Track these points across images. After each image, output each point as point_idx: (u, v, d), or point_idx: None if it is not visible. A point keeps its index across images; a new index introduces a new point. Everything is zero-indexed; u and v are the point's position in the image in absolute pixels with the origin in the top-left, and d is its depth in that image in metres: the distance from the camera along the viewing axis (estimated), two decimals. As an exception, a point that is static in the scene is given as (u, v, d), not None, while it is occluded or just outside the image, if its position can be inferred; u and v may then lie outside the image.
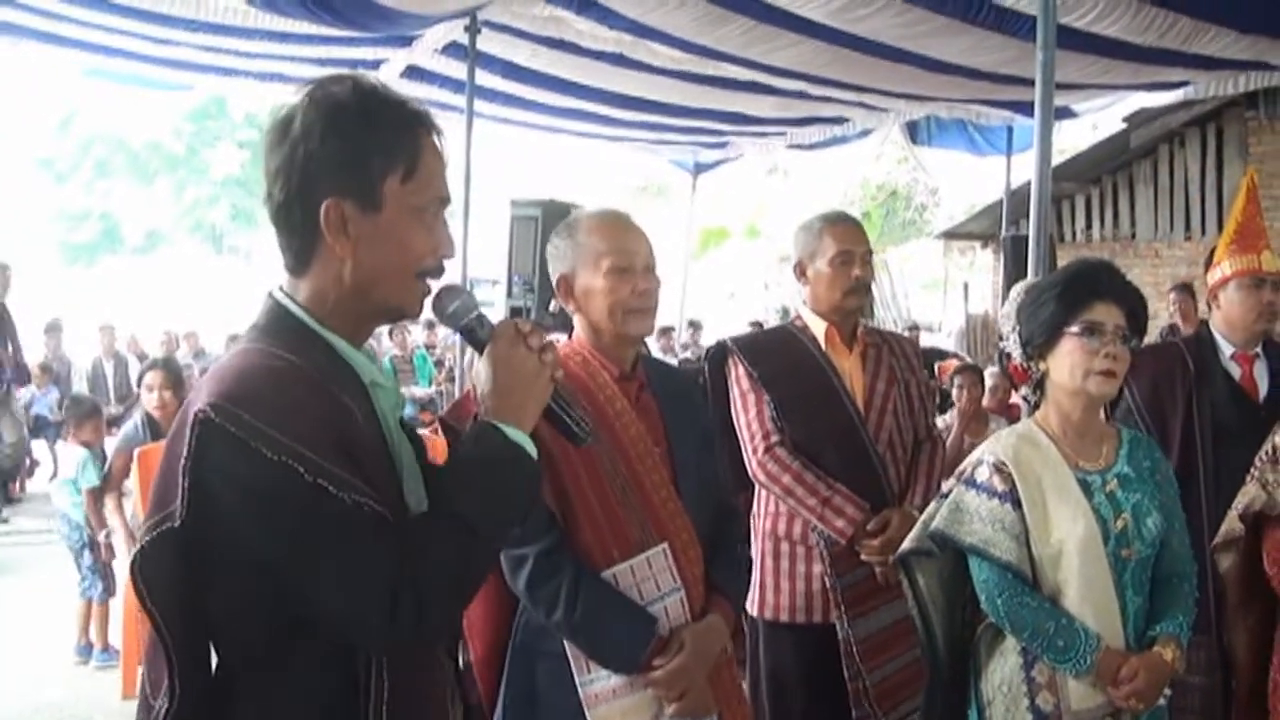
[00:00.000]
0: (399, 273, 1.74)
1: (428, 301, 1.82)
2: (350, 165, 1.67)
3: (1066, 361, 2.70)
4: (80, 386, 12.15)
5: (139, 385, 6.47)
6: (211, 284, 30.17)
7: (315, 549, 1.56)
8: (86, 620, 6.28)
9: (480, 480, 1.69)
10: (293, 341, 1.68)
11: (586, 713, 2.49)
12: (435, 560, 1.61)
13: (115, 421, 11.67)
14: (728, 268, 27.40)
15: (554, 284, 2.76)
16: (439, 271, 1.79)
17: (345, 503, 1.55)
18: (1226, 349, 3.81)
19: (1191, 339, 3.99)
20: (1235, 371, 3.78)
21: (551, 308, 2.81)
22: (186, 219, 36.60)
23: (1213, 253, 3.93)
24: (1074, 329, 2.68)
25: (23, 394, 11.02)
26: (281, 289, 1.76)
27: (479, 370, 1.81)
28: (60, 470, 6.31)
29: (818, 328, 3.65)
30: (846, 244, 3.57)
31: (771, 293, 23.34)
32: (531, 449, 1.74)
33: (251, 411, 1.54)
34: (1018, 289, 2.97)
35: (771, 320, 14.41)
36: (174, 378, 5.98)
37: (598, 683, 2.50)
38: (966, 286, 17.38)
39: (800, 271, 3.69)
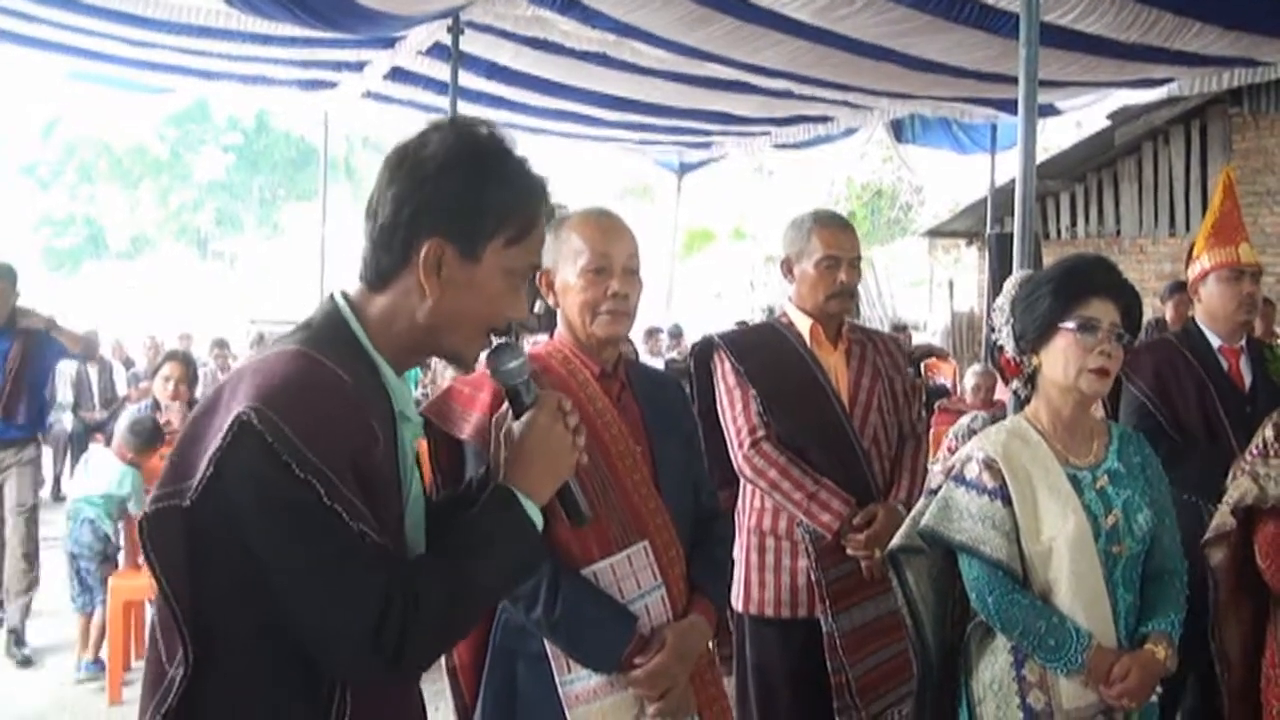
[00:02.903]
0: (474, 325, 1.78)
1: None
2: (468, 214, 1.71)
3: (1060, 357, 2.69)
4: (65, 392, 12.07)
5: (153, 375, 6.47)
6: (197, 289, 30.11)
7: (314, 570, 1.57)
8: (87, 635, 6.08)
9: (490, 547, 1.74)
10: (343, 353, 1.69)
11: (566, 713, 2.47)
12: (427, 606, 1.62)
13: (100, 427, 11.64)
14: (714, 269, 27.43)
15: (537, 277, 2.75)
16: (507, 330, 1.83)
17: (352, 531, 1.56)
18: (1214, 342, 3.84)
19: (1182, 333, 4.02)
20: (1224, 364, 3.82)
21: (536, 309, 2.79)
22: (171, 224, 36.49)
23: (1192, 248, 3.96)
24: (1069, 324, 2.67)
25: None
26: (346, 295, 1.78)
27: (514, 429, 1.85)
28: (97, 477, 6.09)
29: (803, 324, 3.65)
30: (834, 249, 3.57)
31: (758, 293, 23.37)
32: (540, 522, 1.79)
33: (289, 423, 1.55)
34: (1012, 281, 2.95)
35: (758, 321, 14.38)
36: (190, 372, 6.06)
37: (578, 683, 2.48)
38: (952, 284, 17.42)
39: (787, 268, 3.69)
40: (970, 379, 9.03)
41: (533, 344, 2.81)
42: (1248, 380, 3.82)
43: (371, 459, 1.63)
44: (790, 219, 3.76)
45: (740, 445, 3.53)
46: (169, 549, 1.63)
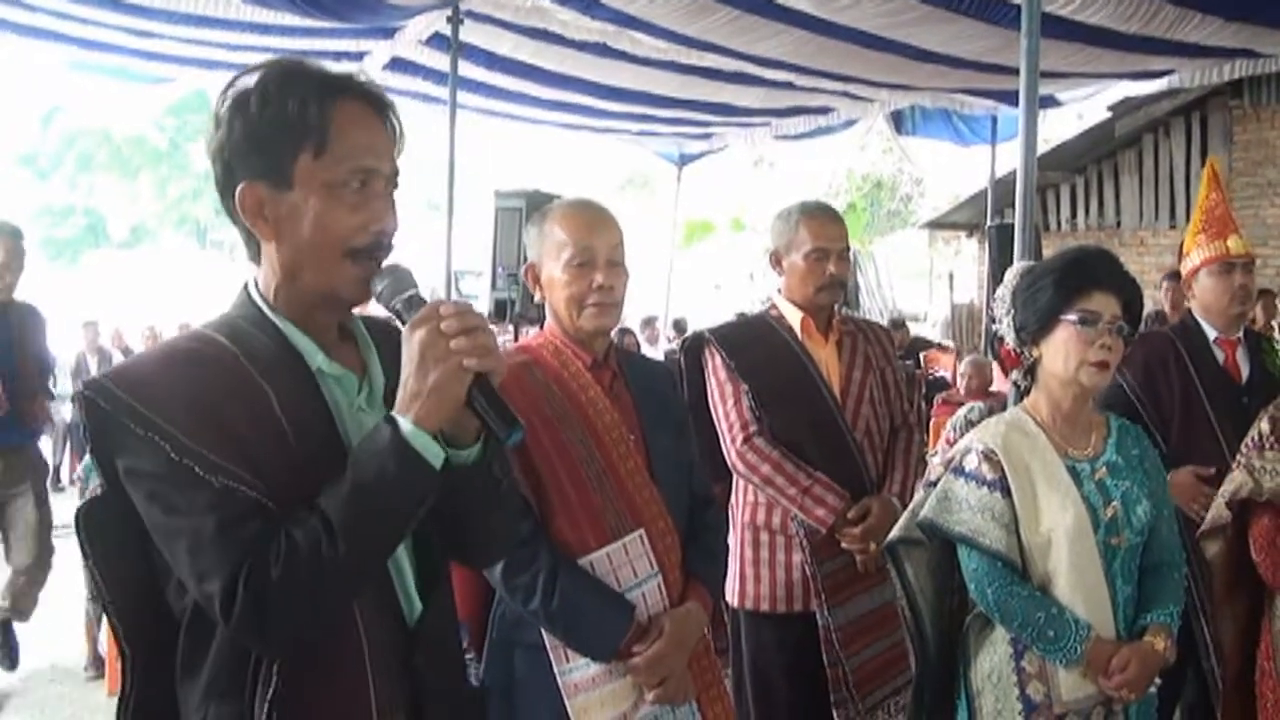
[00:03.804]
0: (320, 253, 1.66)
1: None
2: (257, 148, 1.65)
3: (1061, 350, 2.69)
4: (65, 382, 12.07)
5: None
6: (196, 278, 30.09)
7: (172, 528, 1.54)
8: (94, 633, 6.04)
9: (352, 481, 1.56)
10: (238, 326, 1.69)
11: (566, 702, 2.47)
12: (280, 559, 1.51)
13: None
14: (713, 260, 27.43)
15: (523, 271, 2.75)
16: (376, 249, 1.68)
17: (213, 486, 1.52)
18: (1210, 334, 3.84)
19: (1179, 326, 4.02)
20: (1220, 356, 3.82)
21: (537, 299, 2.79)
22: (171, 213, 36.53)
23: (1183, 244, 3.96)
24: (1070, 317, 2.66)
25: None
26: (254, 276, 1.76)
27: None
28: None
29: (793, 317, 3.64)
30: (822, 241, 3.55)
31: (757, 284, 23.38)
32: (430, 452, 1.57)
33: (123, 387, 1.55)
34: (1013, 272, 2.94)
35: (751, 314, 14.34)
36: None
37: (576, 672, 2.49)
38: (951, 276, 17.41)
39: (775, 261, 3.68)
40: (961, 368, 9.03)
41: (527, 335, 2.80)
42: (1244, 372, 3.82)
43: (252, 417, 1.59)
44: (777, 211, 3.74)
45: (733, 441, 3.52)
46: (100, 539, 1.64)
